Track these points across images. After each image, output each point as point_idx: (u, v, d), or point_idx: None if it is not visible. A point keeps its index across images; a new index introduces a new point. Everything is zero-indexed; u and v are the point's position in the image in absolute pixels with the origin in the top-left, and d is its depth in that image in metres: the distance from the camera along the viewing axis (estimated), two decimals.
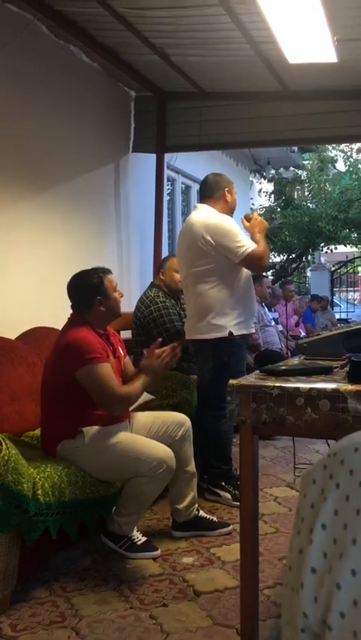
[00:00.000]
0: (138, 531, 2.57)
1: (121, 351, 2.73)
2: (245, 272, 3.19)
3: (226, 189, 3.26)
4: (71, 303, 2.62)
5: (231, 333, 3.10)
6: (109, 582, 2.32)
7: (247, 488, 1.81)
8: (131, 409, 2.76)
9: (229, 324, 3.11)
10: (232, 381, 1.73)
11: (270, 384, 1.68)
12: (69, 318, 2.61)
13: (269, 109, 4.43)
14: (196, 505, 2.79)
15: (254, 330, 3.52)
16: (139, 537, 2.55)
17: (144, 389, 2.57)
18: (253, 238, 3.16)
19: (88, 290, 2.58)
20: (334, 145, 11.68)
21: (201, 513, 2.81)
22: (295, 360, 2.26)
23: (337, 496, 0.51)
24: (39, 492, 2.13)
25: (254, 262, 3.12)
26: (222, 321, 3.11)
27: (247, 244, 3.08)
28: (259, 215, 3.50)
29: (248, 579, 1.84)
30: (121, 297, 2.67)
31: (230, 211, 3.27)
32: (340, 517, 0.50)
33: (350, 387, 1.59)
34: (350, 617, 0.48)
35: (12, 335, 3.09)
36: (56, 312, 2.64)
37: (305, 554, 0.51)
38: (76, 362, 2.41)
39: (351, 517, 0.50)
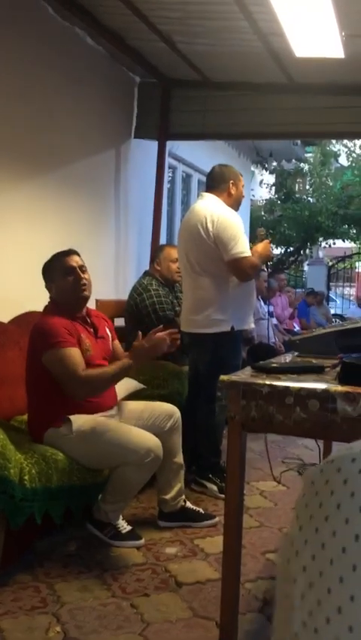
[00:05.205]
0: (123, 519, 2.58)
1: (108, 333, 2.73)
2: None
3: (231, 182, 3.19)
4: None
5: (232, 328, 3.07)
6: (92, 570, 2.33)
7: (233, 483, 1.82)
8: (120, 397, 2.76)
9: (231, 318, 3.07)
10: (222, 377, 1.73)
11: (260, 381, 1.68)
12: (45, 305, 2.65)
13: (274, 101, 4.39)
14: (183, 497, 2.80)
15: (253, 326, 3.47)
16: (124, 525, 2.56)
17: (121, 373, 2.49)
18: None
19: (44, 274, 2.62)
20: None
21: (188, 504, 2.82)
22: (288, 358, 2.27)
23: (330, 502, 0.52)
24: (26, 477, 2.13)
25: (244, 269, 3.02)
26: (223, 316, 3.05)
27: (244, 248, 3.02)
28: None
29: (230, 572, 1.85)
30: (85, 279, 2.56)
31: (235, 204, 3.21)
32: (329, 523, 0.51)
33: (339, 388, 1.60)
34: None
35: (5, 319, 3.08)
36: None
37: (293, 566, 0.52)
38: (42, 347, 2.44)
39: (340, 526, 0.51)
